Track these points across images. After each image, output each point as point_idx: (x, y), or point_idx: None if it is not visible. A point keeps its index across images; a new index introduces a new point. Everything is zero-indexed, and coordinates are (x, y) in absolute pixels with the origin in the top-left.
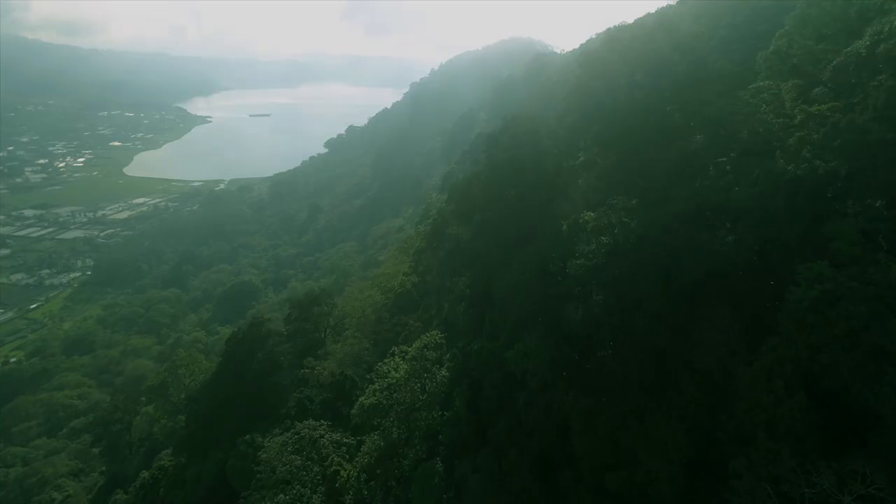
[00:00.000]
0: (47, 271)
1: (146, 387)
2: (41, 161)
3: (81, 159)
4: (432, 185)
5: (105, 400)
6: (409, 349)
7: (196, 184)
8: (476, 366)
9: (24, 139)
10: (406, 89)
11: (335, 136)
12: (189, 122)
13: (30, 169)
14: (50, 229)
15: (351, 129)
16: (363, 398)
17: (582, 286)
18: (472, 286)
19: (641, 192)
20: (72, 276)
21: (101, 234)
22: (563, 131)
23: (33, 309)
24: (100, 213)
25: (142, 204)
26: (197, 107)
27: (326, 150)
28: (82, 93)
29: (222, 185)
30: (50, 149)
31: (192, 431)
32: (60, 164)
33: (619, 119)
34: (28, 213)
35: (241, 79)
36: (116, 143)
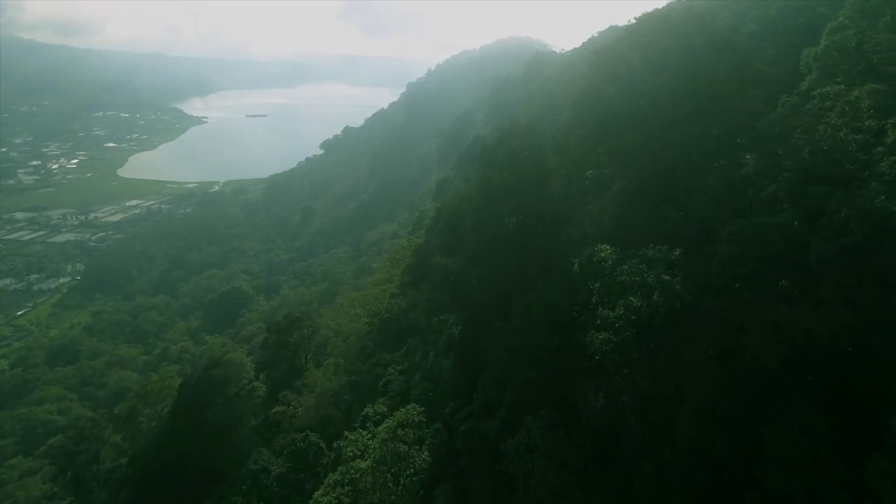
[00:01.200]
0: (36, 276)
1: (115, 413)
2: (34, 163)
3: (75, 161)
4: (427, 189)
5: (86, 415)
6: (380, 430)
7: (190, 185)
8: (464, 450)
9: (18, 140)
10: (404, 89)
11: (331, 137)
12: (185, 122)
13: (23, 171)
14: (41, 232)
15: (347, 129)
16: (318, 494)
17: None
18: (463, 332)
19: (674, 227)
20: (61, 281)
21: (93, 238)
22: (571, 146)
23: (20, 315)
24: (92, 215)
25: (135, 206)
26: (194, 107)
27: (322, 152)
28: (78, 93)
29: (217, 187)
30: (44, 150)
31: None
32: (54, 166)
33: (641, 131)
34: (19, 215)
35: (239, 79)
36: (111, 144)
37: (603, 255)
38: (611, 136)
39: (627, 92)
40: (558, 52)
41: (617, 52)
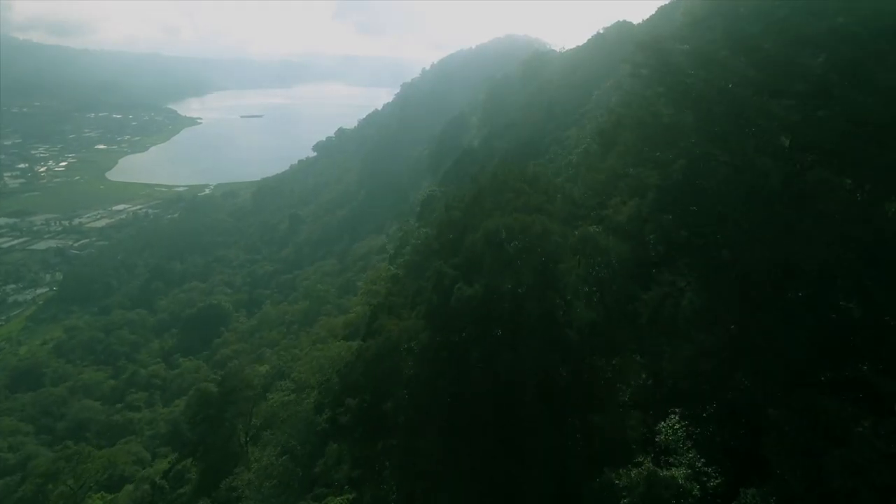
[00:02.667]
0: (13, 286)
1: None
2: (21, 165)
3: (64, 163)
4: (418, 199)
5: (40, 452)
6: None
7: (180, 189)
8: None
9: (7, 142)
10: (399, 89)
11: (324, 139)
12: (179, 123)
13: (9, 174)
14: (22, 239)
15: (340, 131)
16: None
17: None
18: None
19: None
20: (38, 291)
21: (76, 245)
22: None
23: None
24: (76, 220)
25: (122, 211)
26: (191, 108)
27: (315, 154)
28: (70, 94)
29: (207, 190)
30: (32, 152)
31: None
32: (41, 169)
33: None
34: (0, 221)
35: (237, 79)
36: (101, 146)
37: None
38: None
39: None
40: (559, 50)
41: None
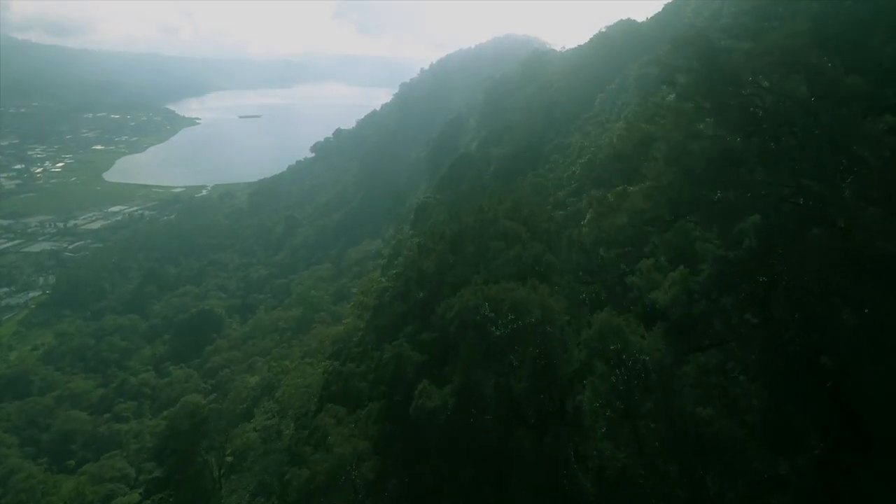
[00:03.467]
0: (6, 290)
1: None
2: (18, 166)
3: (60, 164)
4: (414, 203)
5: (23, 466)
6: None
7: (177, 190)
8: None
9: (4, 143)
10: (398, 89)
11: (322, 140)
12: (177, 123)
13: (5, 175)
14: (16, 241)
15: (338, 132)
16: None
17: None
18: None
19: None
20: (31, 295)
21: (70, 247)
22: None
23: None
24: (72, 222)
25: (118, 212)
26: (190, 108)
27: (313, 155)
28: (69, 94)
29: (204, 192)
30: (29, 153)
31: None
32: (38, 170)
33: None
34: None
35: (235, 79)
36: (99, 147)
37: None
38: None
39: None
40: (559, 50)
41: None
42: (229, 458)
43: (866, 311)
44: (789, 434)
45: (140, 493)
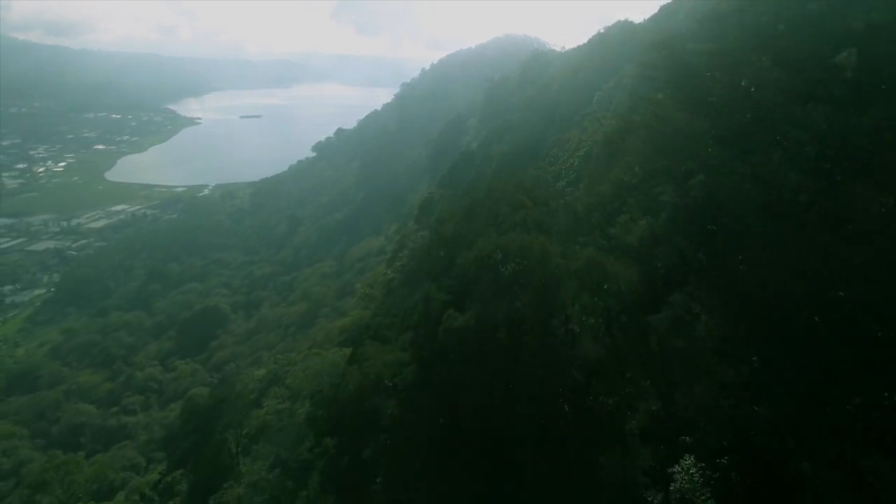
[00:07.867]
0: (10, 287)
1: None
2: (20, 165)
3: (62, 164)
4: (416, 201)
5: (34, 457)
6: None
7: (179, 189)
8: None
9: (6, 143)
10: (398, 90)
11: (323, 140)
12: (178, 123)
13: (7, 174)
14: (20, 240)
15: (339, 131)
16: None
17: None
18: None
19: None
20: (35, 293)
21: (74, 246)
22: None
23: None
24: (74, 221)
25: (120, 212)
26: (189, 108)
27: (314, 154)
28: (69, 94)
29: (206, 191)
30: (31, 153)
31: None
32: (40, 170)
33: None
34: None
35: (235, 79)
36: (100, 147)
37: None
38: None
39: None
40: (559, 50)
41: None
42: (248, 433)
43: (783, 248)
44: (729, 343)
45: (160, 472)
